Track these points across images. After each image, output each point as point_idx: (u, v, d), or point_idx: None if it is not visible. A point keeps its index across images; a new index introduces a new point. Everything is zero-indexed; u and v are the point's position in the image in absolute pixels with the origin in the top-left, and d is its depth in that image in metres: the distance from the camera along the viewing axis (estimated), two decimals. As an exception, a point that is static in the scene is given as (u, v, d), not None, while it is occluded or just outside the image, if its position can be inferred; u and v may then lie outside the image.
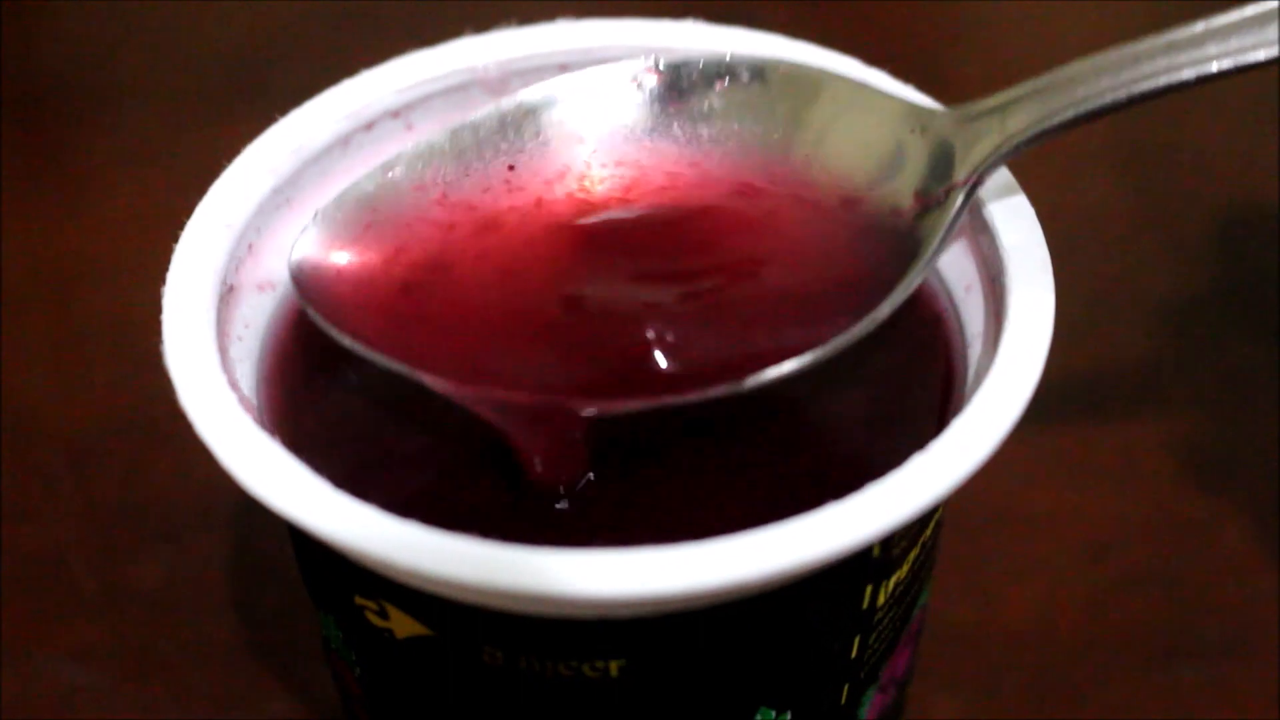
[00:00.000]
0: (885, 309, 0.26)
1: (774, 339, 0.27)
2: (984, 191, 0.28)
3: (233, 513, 0.41)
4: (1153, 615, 0.39)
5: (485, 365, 0.27)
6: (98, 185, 0.51)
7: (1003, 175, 0.29)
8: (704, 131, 0.30)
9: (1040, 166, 0.50)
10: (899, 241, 0.28)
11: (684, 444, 0.28)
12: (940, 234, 0.27)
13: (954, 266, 0.30)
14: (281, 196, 0.30)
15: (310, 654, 0.37)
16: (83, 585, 0.40)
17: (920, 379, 0.29)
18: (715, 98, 0.30)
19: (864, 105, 0.29)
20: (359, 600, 0.27)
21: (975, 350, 0.29)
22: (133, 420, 0.43)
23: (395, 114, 0.32)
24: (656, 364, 0.27)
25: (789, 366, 0.26)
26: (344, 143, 0.31)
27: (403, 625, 0.26)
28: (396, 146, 0.32)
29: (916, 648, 0.32)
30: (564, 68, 0.32)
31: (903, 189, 0.28)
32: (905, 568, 0.28)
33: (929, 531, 0.28)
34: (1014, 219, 0.28)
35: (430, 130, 0.32)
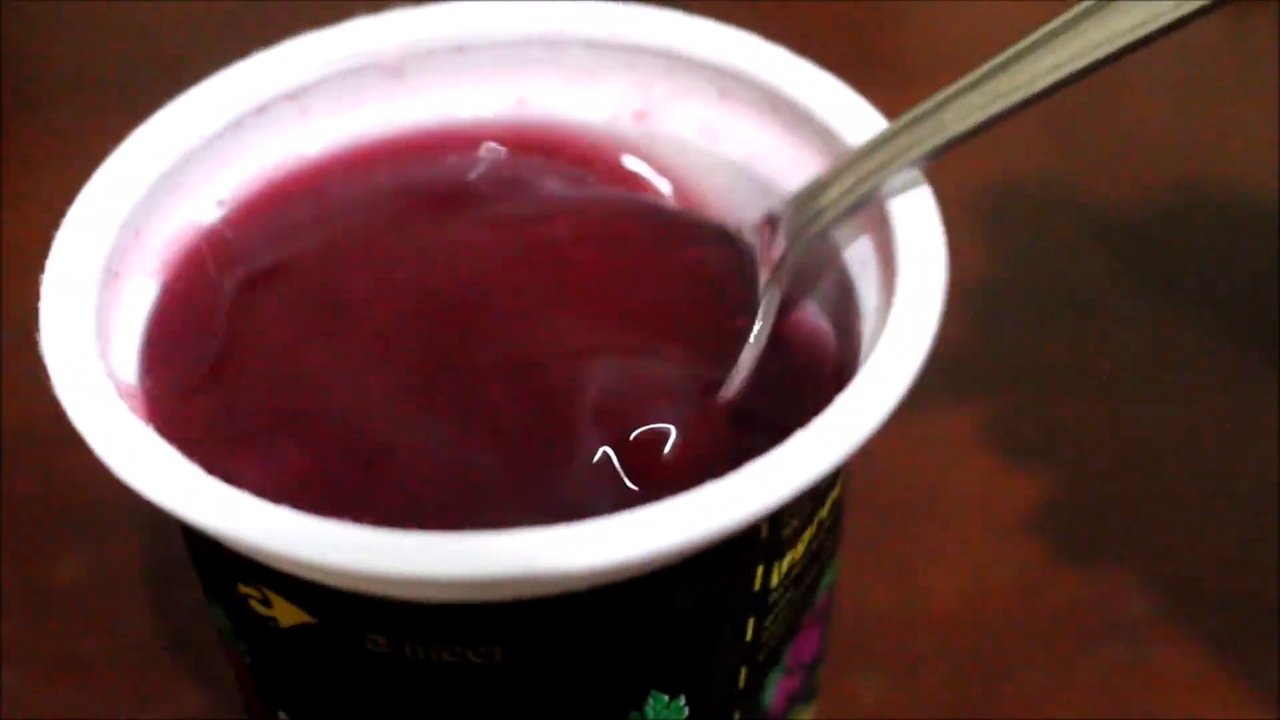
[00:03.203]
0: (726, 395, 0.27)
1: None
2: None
3: (151, 510, 0.40)
4: (1077, 595, 0.39)
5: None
6: (22, 180, 0.51)
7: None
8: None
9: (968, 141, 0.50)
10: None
11: (563, 414, 0.27)
12: (753, 336, 0.28)
13: (850, 242, 0.29)
14: (170, 182, 0.30)
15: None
16: (1, 583, 0.39)
17: (814, 356, 0.29)
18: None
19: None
20: (242, 589, 0.26)
21: (869, 325, 0.28)
22: (51, 416, 0.43)
23: (290, 97, 0.31)
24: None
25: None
26: (235, 126, 0.31)
27: (286, 613, 0.26)
28: (289, 130, 0.31)
29: (826, 630, 0.32)
30: (461, 49, 0.32)
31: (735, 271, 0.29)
32: (800, 548, 0.27)
33: (825, 510, 0.28)
34: (908, 194, 0.28)
35: (326, 111, 0.32)
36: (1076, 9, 0.26)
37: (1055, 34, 0.26)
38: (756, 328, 0.28)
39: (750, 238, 0.29)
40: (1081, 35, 0.26)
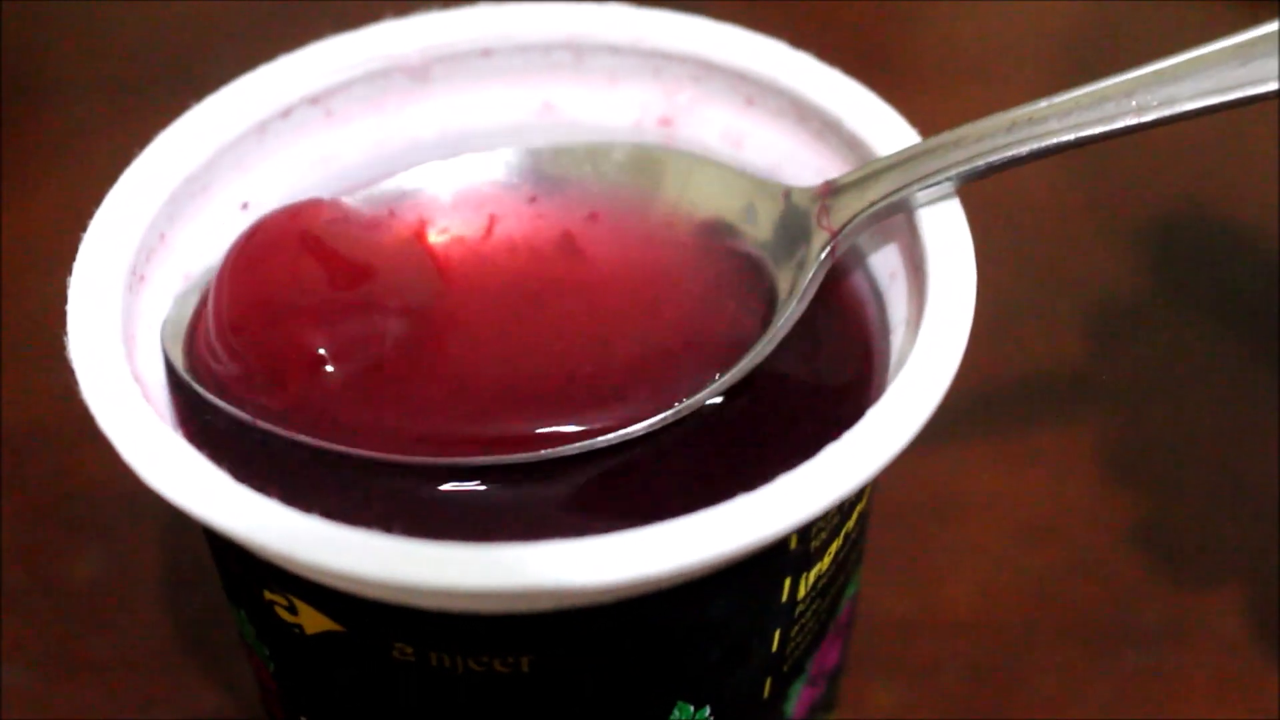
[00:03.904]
0: (744, 367, 0.28)
1: (659, 389, 0.28)
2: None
3: (163, 509, 0.40)
4: (1093, 603, 0.38)
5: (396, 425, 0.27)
6: (34, 178, 0.51)
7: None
8: (577, 207, 0.30)
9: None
10: (767, 303, 0.29)
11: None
12: (798, 296, 0.28)
13: (879, 254, 0.29)
14: (196, 185, 0.30)
15: (237, 651, 0.36)
16: (13, 582, 0.39)
17: (843, 366, 0.29)
18: (585, 178, 0.31)
19: (725, 182, 0.30)
20: (268, 595, 0.26)
21: (898, 337, 0.28)
22: (65, 415, 0.42)
23: (314, 100, 0.31)
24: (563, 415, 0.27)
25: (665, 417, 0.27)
26: (260, 130, 0.30)
27: (312, 620, 0.26)
28: (315, 133, 0.31)
29: (848, 639, 0.32)
30: (486, 53, 0.32)
31: (769, 253, 0.29)
32: (827, 560, 0.27)
33: (852, 523, 0.28)
34: (938, 206, 0.28)
35: (350, 114, 0.31)
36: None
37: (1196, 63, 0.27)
38: (805, 283, 0.28)
39: (802, 200, 0.29)
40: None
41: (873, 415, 0.25)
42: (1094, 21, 0.56)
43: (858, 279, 0.30)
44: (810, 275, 0.28)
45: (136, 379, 0.26)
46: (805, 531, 0.25)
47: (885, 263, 0.29)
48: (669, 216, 0.30)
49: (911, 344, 0.26)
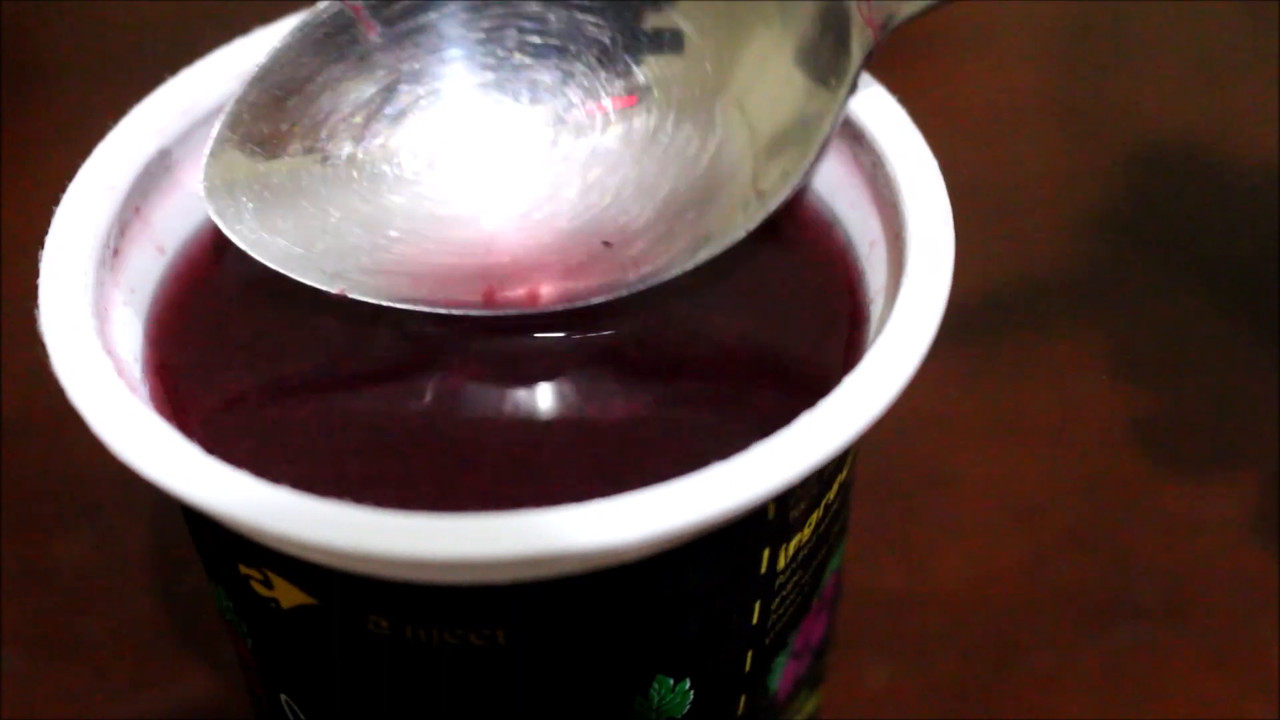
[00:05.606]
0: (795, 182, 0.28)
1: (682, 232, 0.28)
2: (889, 148, 0.28)
3: (152, 490, 0.40)
4: (1087, 578, 0.38)
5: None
6: (32, 164, 0.51)
7: (906, 131, 0.28)
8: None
9: (969, 122, 0.49)
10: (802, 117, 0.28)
11: (572, 395, 0.27)
12: (837, 107, 0.27)
13: (859, 223, 0.29)
14: (171, 159, 0.29)
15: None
16: (2, 565, 0.39)
17: (823, 334, 0.28)
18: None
19: None
20: (243, 569, 0.26)
21: (878, 306, 0.28)
22: (52, 397, 0.42)
23: (291, 73, 0.31)
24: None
25: (701, 256, 0.28)
26: (236, 103, 0.30)
27: (287, 594, 0.26)
28: (291, 106, 0.31)
29: (834, 614, 0.32)
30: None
31: (805, 58, 0.28)
32: (807, 530, 0.27)
33: (833, 493, 0.28)
34: (917, 174, 0.27)
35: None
36: None
37: None
38: (849, 78, 0.27)
39: None
40: None
41: (849, 383, 0.24)
42: (1103, 19, 0.56)
43: (840, 246, 0.29)
44: (853, 73, 0.27)
45: (109, 353, 0.26)
46: (783, 500, 0.25)
47: (865, 231, 0.29)
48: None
49: (889, 313, 0.26)
